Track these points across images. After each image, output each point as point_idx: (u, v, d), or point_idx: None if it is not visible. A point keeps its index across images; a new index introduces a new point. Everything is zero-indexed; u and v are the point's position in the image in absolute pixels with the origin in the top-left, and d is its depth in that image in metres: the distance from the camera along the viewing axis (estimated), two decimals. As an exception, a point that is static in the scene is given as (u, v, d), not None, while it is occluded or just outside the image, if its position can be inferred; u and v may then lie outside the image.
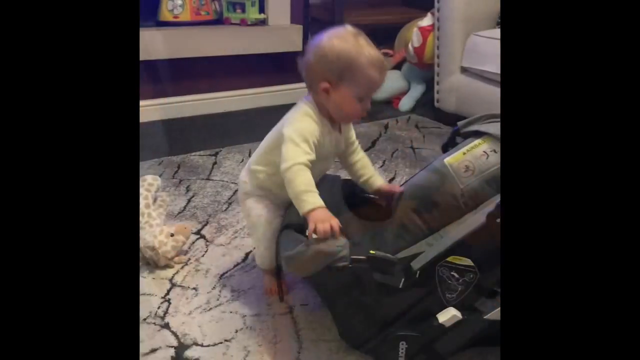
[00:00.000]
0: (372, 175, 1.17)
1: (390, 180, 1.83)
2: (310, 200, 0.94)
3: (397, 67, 2.84)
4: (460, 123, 1.12)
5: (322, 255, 0.92)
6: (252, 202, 1.12)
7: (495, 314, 0.92)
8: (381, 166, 1.95)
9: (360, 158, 1.18)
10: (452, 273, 0.90)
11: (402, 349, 0.95)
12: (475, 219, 0.90)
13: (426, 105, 2.66)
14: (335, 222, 0.91)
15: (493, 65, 2.12)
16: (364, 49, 0.98)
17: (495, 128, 1.06)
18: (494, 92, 2.14)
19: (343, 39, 0.98)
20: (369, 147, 2.13)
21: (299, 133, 0.98)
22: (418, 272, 0.92)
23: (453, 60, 2.31)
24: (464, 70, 2.31)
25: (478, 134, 1.08)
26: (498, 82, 2.13)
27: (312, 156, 0.98)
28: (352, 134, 1.16)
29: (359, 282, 0.93)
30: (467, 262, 0.89)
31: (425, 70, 2.63)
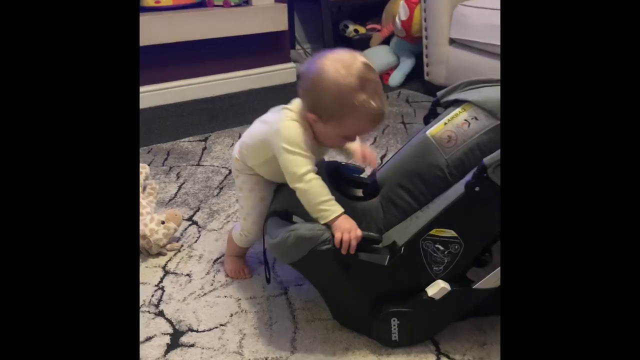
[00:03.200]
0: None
1: (382, 157, 1.82)
2: (332, 209, 0.93)
3: (386, 41, 2.80)
4: (439, 93, 1.10)
5: (305, 240, 0.91)
6: (245, 177, 1.10)
7: (484, 283, 0.91)
8: (372, 143, 1.94)
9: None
10: (436, 246, 0.90)
11: (395, 325, 0.95)
12: (456, 190, 0.89)
13: (416, 79, 2.64)
14: (356, 234, 0.90)
15: (481, 35, 2.09)
16: (367, 99, 0.90)
17: (474, 95, 1.04)
18: (483, 63, 2.11)
19: (345, 77, 0.89)
20: (360, 125, 2.11)
21: (290, 141, 0.94)
22: (403, 248, 0.92)
23: (441, 32, 2.28)
24: (452, 41, 2.27)
25: (458, 103, 1.06)
26: (487, 52, 2.10)
27: (312, 158, 0.95)
28: None
29: (345, 263, 0.92)
30: (451, 233, 0.89)
31: (414, 44, 2.60)
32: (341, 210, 0.93)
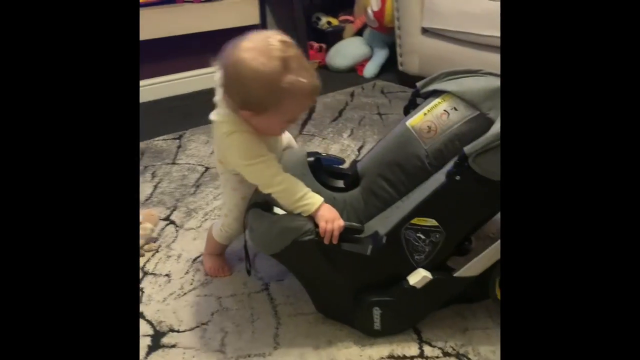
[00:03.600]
0: None
1: (360, 149, 1.82)
2: (311, 201, 0.92)
3: (359, 33, 2.80)
4: (419, 83, 1.11)
5: (288, 231, 0.91)
6: (228, 175, 1.07)
7: (464, 271, 0.92)
8: (349, 135, 1.93)
9: None
10: (418, 235, 0.90)
11: (377, 314, 0.95)
12: (436, 179, 0.90)
13: (391, 69, 2.64)
14: (339, 224, 0.90)
15: (453, 23, 2.10)
16: (296, 79, 0.85)
17: (453, 85, 1.04)
18: (456, 51, 2.13)
19: (265, 63, 0.83)
20: (336, 117, 2.11)
21: (246, 156, 0.91)
22: (385, 237, 0.92)
23: (413, 21, 2.29)
24: (425, 31, 2.28)
25: (437, 93, 1.06)
26: (459, 41, 2.11)
27: (272, 157, 0.93)
28: None
29: (328, 253, 0.92)
30: (432, 222, 0.89)
31: (387, 34, 2.60)
32: (321, 200, 0.93)
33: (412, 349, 0.96)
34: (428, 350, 0.96)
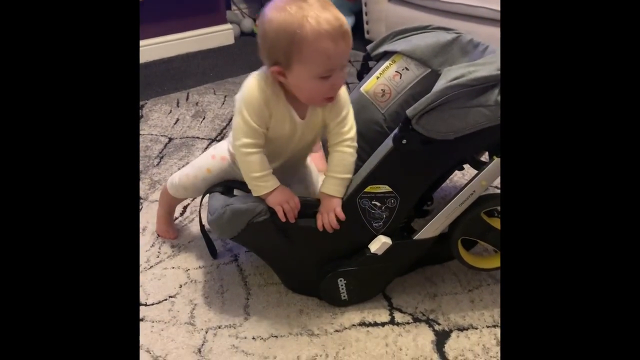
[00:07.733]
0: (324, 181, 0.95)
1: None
2: (265, 184, 0.89)
3: (324, 0, 2.74)
4: (369, 47, 1.08)
5: (241, 214, 0.90)
6: (222, 147, 1.04)
7: (423, 233, 0.92)
8: (316, 104, 1.91)
9: (335, 154, 0.95)
10: (373, 202, 0.90)
11: (342, 284, 0.95)
12: (386, 145, 0.89)
13: (357, 37, 2.60)
14: (293, 202, 0.89)
15: (419, -10, 2.07)
16: (309, 16, 0.78)
17: (402, 45, 1.02)
18: (422, 18, 2.11)
19: (282, 9, 0.80)
20: (302, 86, 2.07)
21: (245, 102, 0.86)
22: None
23: (379, -12, 2.25)
24: (391, -2, 2.25)
25: (388, 55, 1.05)
26: (426, 8, 2.10)
27: (260, 130, 0.88)
28: (338, 119, 0.94)
29: (285, 231, 0.91)
30: (386, 188, 0.89)
31: (353, 2, 2.56)
32: (275, 185, 0.90)
33: (383, 316, 0.97)
34: (399, 317, 0.97)
